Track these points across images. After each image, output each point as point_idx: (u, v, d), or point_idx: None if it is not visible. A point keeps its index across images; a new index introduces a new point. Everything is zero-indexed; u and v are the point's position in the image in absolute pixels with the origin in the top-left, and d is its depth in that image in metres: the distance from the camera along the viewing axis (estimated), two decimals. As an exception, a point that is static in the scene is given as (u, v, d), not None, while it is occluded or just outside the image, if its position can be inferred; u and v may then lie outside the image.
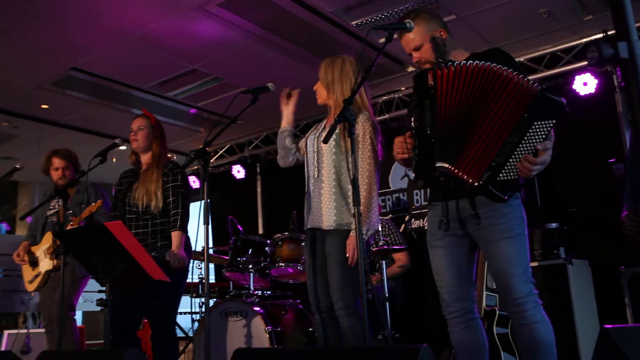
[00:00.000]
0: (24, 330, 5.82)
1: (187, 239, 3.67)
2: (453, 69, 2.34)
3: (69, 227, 4.07)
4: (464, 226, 2.48)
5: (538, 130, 2.24)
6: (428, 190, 5.94)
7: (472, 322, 2.51)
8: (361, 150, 2.95)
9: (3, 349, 5.53)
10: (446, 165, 2.35)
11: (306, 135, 3.28)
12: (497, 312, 3.74)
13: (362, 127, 2.97)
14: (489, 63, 2.30)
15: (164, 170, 3.64)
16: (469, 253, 2.54)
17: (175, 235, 3.51)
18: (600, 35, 5.00)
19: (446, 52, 2.58)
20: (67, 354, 3.00)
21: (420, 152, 2.40)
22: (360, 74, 2.50)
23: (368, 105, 3.09)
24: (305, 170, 3.19)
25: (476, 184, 2.33)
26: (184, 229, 3.53)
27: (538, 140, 2.23)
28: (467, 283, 2.52)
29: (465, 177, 2.35)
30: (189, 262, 3.72)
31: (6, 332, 5.84)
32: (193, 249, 4.50)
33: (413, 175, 2.50)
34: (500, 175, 2.30)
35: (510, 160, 2.28)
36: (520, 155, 2.26)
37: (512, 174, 2.29)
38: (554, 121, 2.23)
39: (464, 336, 2.49)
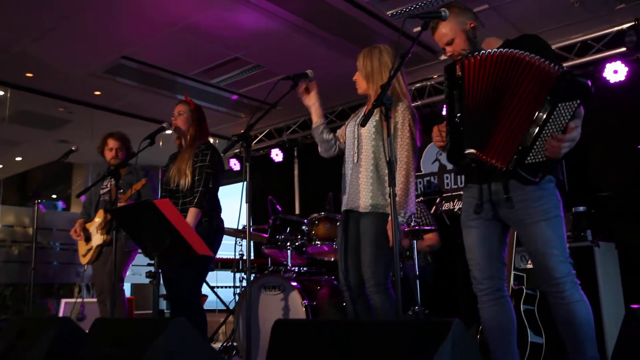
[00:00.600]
0: (79, 300, 5.99)
1: (217, 220, 3.68)
2: (479, 57, 2.31)
3: (118, 205, 4.17)
4: (497, 209, 2.46)
5: (563, 111, 2.19)
6: (459, 176, 5.92)
7: (502, 300, 2.49)
8: (400, 137, 2.92)
9: (61, 315, 5.71)
10: (474, 151, 2.32)
11: (346, 123, 3.25)
12: (525, 290, 3.70)
13: (402, 115, 2.93)
14: (511, 50, 2.27)
15: (196, 151, 3.67)
16: (501, 235, 2.52)
17: (190, 212, 3.47)
18: (632, 23, 4.84)
19: (477, 42, 2.55)
20: (119, 321, 3.07)
21: (451, 140, 2.39)
22: (397, 61, 2.49)
23: (406, 93, 3.05)
24: (344, 154, 3.17)
25: (504, 168, 2.30)
26: (201, 206, 3.49)
27: (564, 121, 2.19)
28: (497, 262, 2.49)
29: (494, 162, 2.32)
30: (219, 242, 3.76)
31: (63, 300, 6.03)
32: (235, 227, 4.56)
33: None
34: (529, 158, 2.26)
35: (537, 142, 2.24)
36: (547, 137, 2.21)
37: (540, 156, 2.25)
38: (578, 101, 2.18)
39: (493, 313, 2.48)
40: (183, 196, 3.61)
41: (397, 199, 2.50)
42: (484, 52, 2.33)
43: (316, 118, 3.20)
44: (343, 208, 3.10)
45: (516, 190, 2.38)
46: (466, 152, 2.34)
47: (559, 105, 2.19)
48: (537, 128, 2.23)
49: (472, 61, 2.34)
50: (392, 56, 3.01)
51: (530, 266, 4.16)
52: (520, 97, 2.26)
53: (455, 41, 2.54)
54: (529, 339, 3.62)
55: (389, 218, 2.81)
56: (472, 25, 2.53)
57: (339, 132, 3.26)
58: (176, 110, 3.80)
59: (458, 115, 2.36)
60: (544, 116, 2.21)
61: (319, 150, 3.29)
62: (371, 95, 3.06)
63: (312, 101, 3.19)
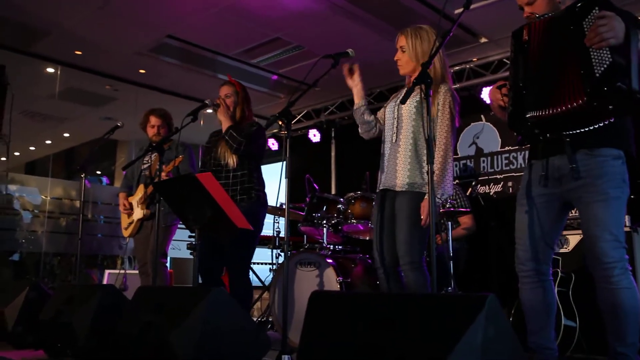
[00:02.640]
0: (122, 271, 6.15)
1: (265, 195, 3.75)
2: (545, 21, 2.25)
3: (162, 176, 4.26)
4: (560, 184, 2.36)
5: (589, 21, 2.11)
6: (496, 160, 5.83)
7: (543, 284, 2.43)
8: (440, 119, 2.88)
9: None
10: (536, 113, 2.24)
11: (385, 104, 3.23)
12: (560, 273, 3.65)
13: (443, 97, 2.90)
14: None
15: (243, 130, 3.71)
16: (557, 216, 2.43)
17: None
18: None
19: (560, 6, 2.39)
20: (161, 289, 3.16)
21: (513, 104, 2.32)
22: (438, 40, 2.46)
23: (448, 77, 3.00)
24: (383, 135, 3.16)
25: (585, 98, 2.10)
26: (238, 150, 3.59)
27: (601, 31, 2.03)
28: (545, 244, 2.42)
29: (568, 105, 2.14)
30: (264, 216, 3.81)
31: (107, 271, 6.20)
32: (274, 204, 4.60)
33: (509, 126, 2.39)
34: (596, 70, 2.06)
35: (593, 57, 2.07)
36: (596, 51, 2.07)
37: (605, 62, 2.05)
38: (596, 8, 2.09)
39: (533, 295, 2.43)
40: (233, 175, 3.67)
41: (434, 177, 2.48)
42: (550, 14, 2.27)
43: (358, 99, 3.18)
44: (379, 187, 3.10)
45: (581, 163, 2.27)
46: (528, 115, 2.27)
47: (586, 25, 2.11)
48: (586, 51, 2.08)
49: (539, 25, 2.27)
50: (440, 37, 2.95)
51: (565, 250, 4.10)
52: (575, 53, 2.14)
53: (537, 2, 2.41)
54: (562, 322, 3.58)
55: (425, 196, 2.80)
56: None
57: (379, 113, 3.24)
58: (223, 93, 3.83)
59: (521, 79, 2.29)
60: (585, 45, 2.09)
61: (360, 131, 3.27)
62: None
63: (355, 82, 3.16)
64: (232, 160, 3.67)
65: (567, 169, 2.30)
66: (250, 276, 6.03)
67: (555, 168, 2.37)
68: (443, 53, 2.98)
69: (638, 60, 2.06)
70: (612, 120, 2.23)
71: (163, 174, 4.21)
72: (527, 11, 2.45)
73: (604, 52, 2.06)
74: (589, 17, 2.13)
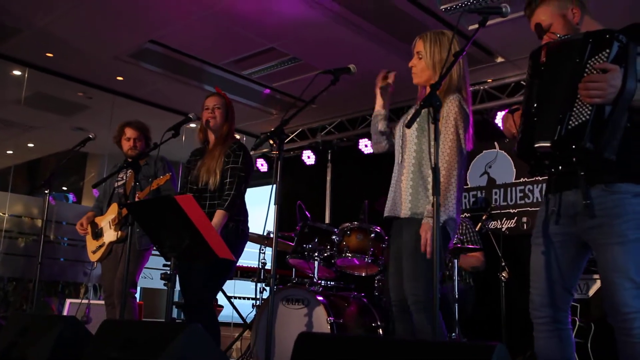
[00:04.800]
0: (85, 301, 6.10)
1: (244, 225, 3.76)
2: (562, 42, 2.30)
3: (136, 200, 4.25)
4: (575, 223, 2.37)
5: (595, 62, 2.17)
6: (510, 192, 5.86)
7: (560, 334, 2.41)
8: (443, 133, 2.86)
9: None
10: (547, 144, 2.25)
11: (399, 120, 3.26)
12: (577, 322, 3.66)
13: (447, 107, 2.88)
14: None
15: (227, 151, 3.74)
16: (575, 257, 2.43)
17: (218, 214, 3.56)
18: None
19: (579, 29, 2.46)
20: (129, 323, 3.14)
21: (523, 131, 2.36)
22: (450, 58, 2.49)
23: (464, 86, 2.98)
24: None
25: (549, 144, 2.22)
26: (230, 210, 3.59)
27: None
28: (562, 289, 2.42)
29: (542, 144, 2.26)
30: (242, 248, 3.82)
31: (68, 300, 6.15)
32: (261, 232, 4.61)
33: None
34: (571, 122, 2.18)
35: (575, 106, 2.18)
36: (581, 102, 2.17)
37: (582, 117, 2.16)
38: (607, 51, 2.15)
39: (549, 346, 2.41)
40: (211, 197, 3.69)
41: None
42: (568, 36, 2.33)
43: (379, 106, 3.22)
44: (385, 214, 3.10)
45: (596, 200, 2.28)
46: (535, 145, 2.29)
47: (589, 62, 2.18)
48: (573, 89, 2.19)
49: (556, 45, 2.32)
50: (460, 46, 2.91)
51: (583, 296, 4.11)
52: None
53: (553, 27, 2.47)
54: (579, 378, 3.58)
55: (424, 221, 2.80)
56: (574, 11, 2.46)
57: (394, 128, 3.27)
58: (211, 103, 3.86)
59: (535, 104, 2.33)
60: (577, 78, 2.18)
61: (371, 142, 3.31)
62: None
63: (384, 91, 3.20)
64: (213, 181, 3.67)
65: (581, 206, 2.31)
66: (231, 313, 6.02)
67: (569, 204, 2.38)
68: (464, 62, 2.98)
69: (623, 120, 2.20)
70: (632, 151, 2.27)
71: (141, 194, 4.22)
72: (545, 39, 2.50)
73: (586, 107, 2.17)
74: (597, 57, 2.19)
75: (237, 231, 3.68)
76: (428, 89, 2.53)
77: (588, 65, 2.20)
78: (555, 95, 2.29)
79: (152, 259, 4.86)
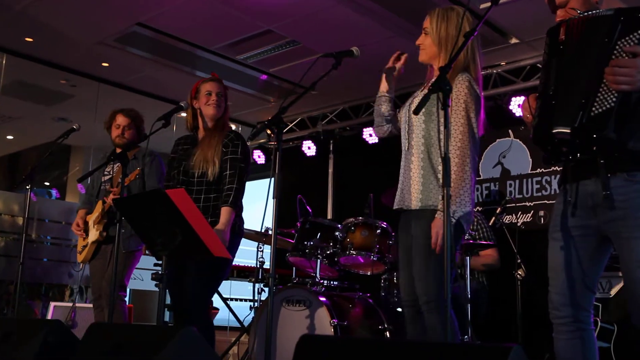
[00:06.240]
0: (70, 304, 6.11)
1: (240, 220, 3.76)
2: (585, 18, 2.28)
3: (111, 197, 4.27)
4: (595, 215, 2.36)
5: (625, 44, 2.16)
6: (525, 184, 5.85)
7: (582, 334, 2.41)
8: (452, 117, 2.84)
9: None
10: (566, 130, 2.25)
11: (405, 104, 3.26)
12: (599, 323, 3.67)
13: (457, 89, 2.86)
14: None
15: (225, 140, 3.72)
16: (595, 252, 2.42)
17: (224, 212, 3.53)
18: None
19: (598, 6, 2.44)
20: (119, 327, 3.15)
21: (539, 116, 2.35)
22: (460, 39, 2.48)
23: (474, 66, 2.96)
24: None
25: (569, 130, 2.22)
26: (235, 205, 3.56)
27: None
28: (583, 287, 2.41)
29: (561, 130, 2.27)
30: (237, 245, 3.81)
31: (53, 303, 6.16)
32: (258, 229, 4.61)
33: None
34: (594, 108, 2.18)
35: (600, 91, 2.18)
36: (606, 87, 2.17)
37: (606, 104, 2.17)
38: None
39: (569, 348, 2.41)
40: (207, 189, 3.67)
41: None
42: (593, 12, 2.30)
43: (383, 88, 3.22)
44: (394, 206, 3.10)
45: (618, 190, 2.27)
46: (554, 130, 2.29)
47: (618, 43, 2.16)
48: (599, 73, 2.17)
49: (577, 23, 2.31)
50: (471, 24, 2.93)
51: (605, 295, 4.12)
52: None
53: (571, 2, 2.45)
54: (602, 383, 3.59)
55: (437, 216, 2.79)
56: None
57: (398, 113, 3.27)
58: (215, 89, 3.78)
59: (553, 86, 2.33)
60: (603, 60, 2.17)
61: (374, 125, 3.31)
62: (436, 67, 2.98)
63: (391, 72, 3.20)
64: (212, 171, 3.65)
65: (601, 197, 2.30)
66: (227, 315, 6.03)
67: (587, 195, 2.37)
68: (476, 41, 2.97)
69: None
70: None
71: (115, 190, 4.22)
72: (560, 15, 2.49)
73: (612, 93, 2.16)
74: (628, 38, 2.17)
75: (232, 228, 3.68)
76: (436, 72, 2.53)
77: (617, 47, 2.18)
78: (578, 78, 2.28)
79: (143, 259, 4.87)
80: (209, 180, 3.65)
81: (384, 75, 3.22)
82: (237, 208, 3.60)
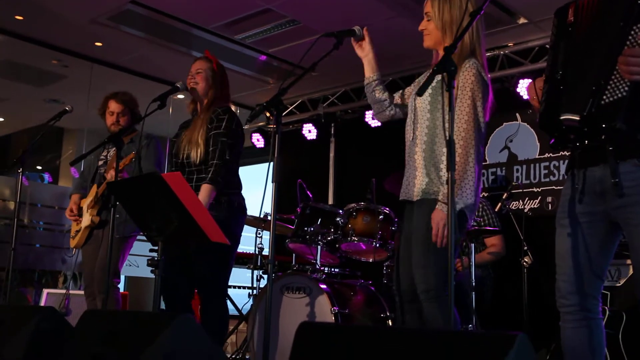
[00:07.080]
0: (64, 291, 6.14)
1: (241, 199, 3.77)
2: None
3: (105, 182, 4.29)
4: (604, 201, 2.37)
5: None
6: (533, 169, 5.85)
7: (590, 323, 2.43)
8: (458, 105, 2.84)
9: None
10: (575, 117, 2.26)
11: (407, 88, 3.25)
12: (607, 311, 3.68)
13: (463, 75, 2.86)
14: None
15: (211, 116, 3.72)
16: (605, 239, 2.43)
17: (202, 189, 3.50)
18: None
19: None
20: (113, 314, 3.16)
21: (546, 100, 2.35)
22: (466, 18, 2.47)
23: (481, 53, 2.96)
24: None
25: (578, 118, 2.23)
26: (216, 182, 3.53)
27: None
28: (591, 274, 2.42)
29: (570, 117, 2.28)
30: (241, 225, 3.84)
31: (46, 290, 6.19)
32: (257, 214, 4.61)
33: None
34: (605, 97, 2.18)
35: (612, 79, 2.18)
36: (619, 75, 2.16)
37: (617, 93, 2.17)
38: None
39: (576, 336, 2.43)
40: (197, 171, 3.68)
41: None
42: None
43: (369, 72, 3.21)
44: (400, 197, 3.10)
45: (628, 176, 2.28)
46: (562, 117, 2.30)
47: (635, 27, 2.15)
48: (611, 58, 2.17)
49: (588, 4, 2.30)
50: (474, 4, 2.88)
51: (614, 283, 4.13)
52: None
53: None
54: (609, 371, 3.61)
55: (437, 207, 2.80)
56: None
57: (396, 94, 3.26)
58: (194, 68, 3.85)
59: (560, 70, 2.32)
60: (617, 45, 2.16)
61: (373, 113, 3.30)
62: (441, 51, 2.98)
63: (365, 51, 3.19)
64: (195, 153, 3.65)
65: (610, 183, 2.31)
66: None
67: (596, 180, 2.38)
68: (480, 22, 2.95)
69: None
70: None
71: (109, 174, 4.24)
72: None
73: (624, 82, 2.15)
74: None
75: (231, 206, 3.68)
76: (441, 53, 2.51)
77: (632, 33, 2.17)
78: (588, 63, 2.27)
79: (138, 245, 4.89)
80: (195, 162, 3.66)
81: (365, 60, 3.21)
82: (220, 185, 3.55)
